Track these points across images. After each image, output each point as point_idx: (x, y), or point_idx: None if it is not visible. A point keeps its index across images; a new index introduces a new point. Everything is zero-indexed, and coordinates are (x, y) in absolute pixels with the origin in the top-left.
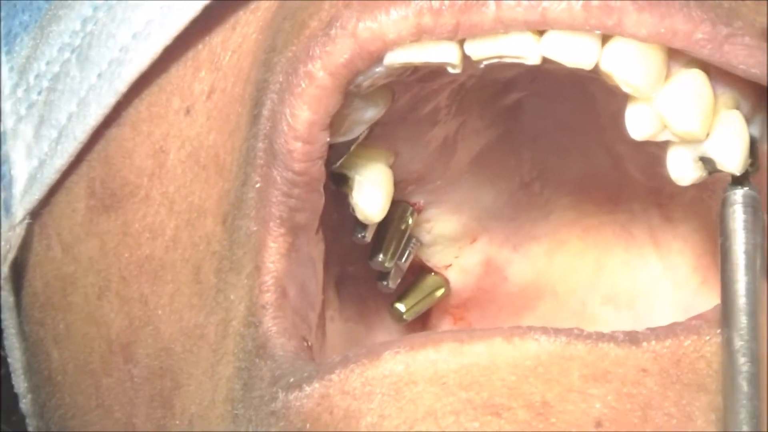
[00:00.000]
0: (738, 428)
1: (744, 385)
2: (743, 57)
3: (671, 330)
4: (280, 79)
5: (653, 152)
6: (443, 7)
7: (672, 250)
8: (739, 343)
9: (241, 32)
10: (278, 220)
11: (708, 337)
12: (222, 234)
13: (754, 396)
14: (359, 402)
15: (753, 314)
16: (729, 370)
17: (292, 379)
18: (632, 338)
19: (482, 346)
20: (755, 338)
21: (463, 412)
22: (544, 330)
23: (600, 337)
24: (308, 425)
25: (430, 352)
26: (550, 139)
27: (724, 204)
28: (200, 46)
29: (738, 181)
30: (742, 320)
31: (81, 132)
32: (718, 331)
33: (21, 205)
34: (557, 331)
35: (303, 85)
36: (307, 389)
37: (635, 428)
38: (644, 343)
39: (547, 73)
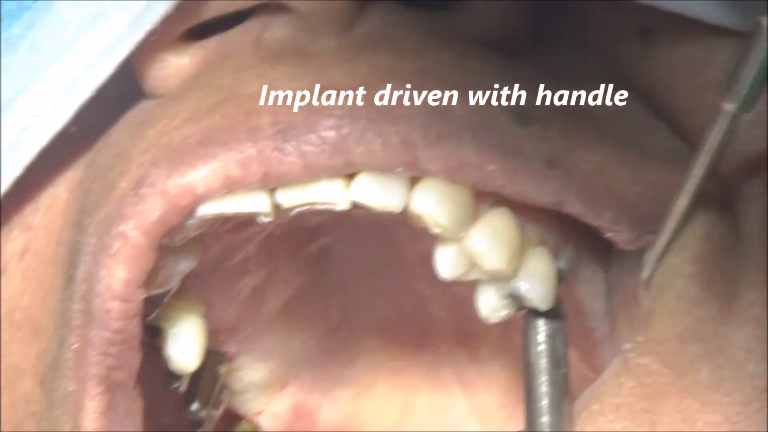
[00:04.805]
0: None
1: None
2: (534, 184)
3: None
4: (94, 241)
5: (458, 293)
6: (250, 159)
7: (478, 388)
8: None
9: (51, 192)
10: (96, 379)
11: None
12: (40, 394)
13: None
14: None
15: None
16: None
17: None
18: None
19: None
20: None
21: None
22: None
23: None
24: None
25: None
26: (356, 283)
27: (528, 333)
28: (11, 207)
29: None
30: None
31: None
32: None
33: None
34: None
35: (117, 245)
36: None
37: None
38: None
39: (352, 219)
